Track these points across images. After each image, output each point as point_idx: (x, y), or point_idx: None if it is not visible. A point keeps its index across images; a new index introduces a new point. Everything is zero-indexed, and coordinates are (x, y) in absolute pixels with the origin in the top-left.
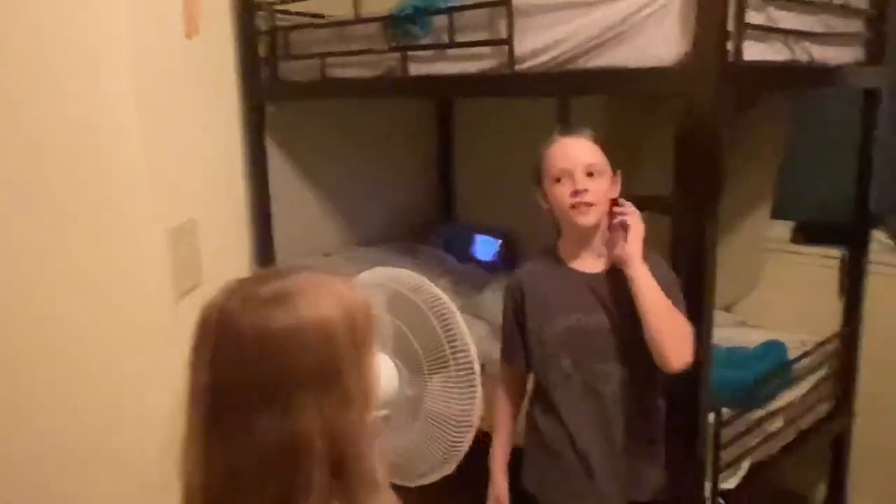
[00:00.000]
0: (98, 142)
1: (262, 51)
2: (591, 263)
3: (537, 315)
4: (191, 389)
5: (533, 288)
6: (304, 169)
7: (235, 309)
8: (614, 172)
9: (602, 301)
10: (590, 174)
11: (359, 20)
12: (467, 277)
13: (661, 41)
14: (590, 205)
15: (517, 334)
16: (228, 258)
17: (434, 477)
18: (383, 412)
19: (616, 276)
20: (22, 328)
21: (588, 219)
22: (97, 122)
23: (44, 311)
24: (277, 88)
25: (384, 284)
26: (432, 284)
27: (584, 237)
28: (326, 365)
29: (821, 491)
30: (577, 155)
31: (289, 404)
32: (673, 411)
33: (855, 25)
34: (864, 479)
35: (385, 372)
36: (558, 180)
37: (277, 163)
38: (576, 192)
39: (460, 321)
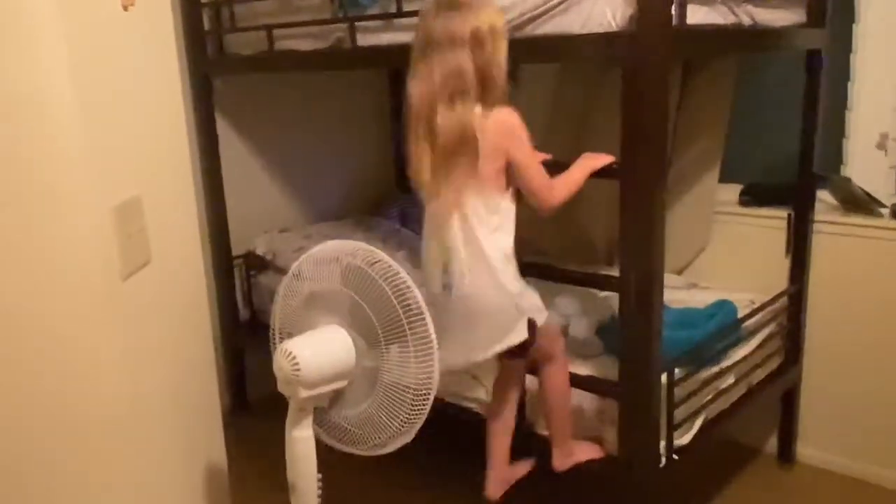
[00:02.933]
0: (31, 121)
1: (206, 24)
2: None
3: None
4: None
5: None
6: (254, 143)
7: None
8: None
9: None
10: None
11: None
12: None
13: (606, 7)
14: None
15: None
16: (178, 234)
17: (393, 447)
18: (340, 383)
19: None
20: None
21: None
22: (30, 98)
23: None
24: (224, 62)
25: (339, 258)
26: (388, 257)
27: None
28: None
29: (772, 443)
30: None
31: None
32: (626, 372)
33: None
34: (813, 431)
35: (341, 344)
36: None
37: (226, 137)
38: None
39: (416, 293)
